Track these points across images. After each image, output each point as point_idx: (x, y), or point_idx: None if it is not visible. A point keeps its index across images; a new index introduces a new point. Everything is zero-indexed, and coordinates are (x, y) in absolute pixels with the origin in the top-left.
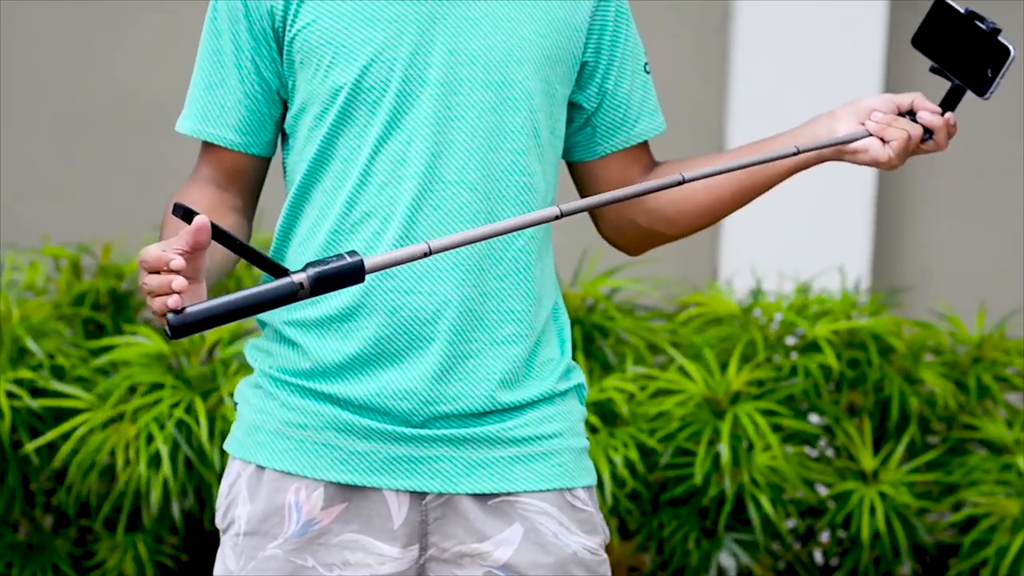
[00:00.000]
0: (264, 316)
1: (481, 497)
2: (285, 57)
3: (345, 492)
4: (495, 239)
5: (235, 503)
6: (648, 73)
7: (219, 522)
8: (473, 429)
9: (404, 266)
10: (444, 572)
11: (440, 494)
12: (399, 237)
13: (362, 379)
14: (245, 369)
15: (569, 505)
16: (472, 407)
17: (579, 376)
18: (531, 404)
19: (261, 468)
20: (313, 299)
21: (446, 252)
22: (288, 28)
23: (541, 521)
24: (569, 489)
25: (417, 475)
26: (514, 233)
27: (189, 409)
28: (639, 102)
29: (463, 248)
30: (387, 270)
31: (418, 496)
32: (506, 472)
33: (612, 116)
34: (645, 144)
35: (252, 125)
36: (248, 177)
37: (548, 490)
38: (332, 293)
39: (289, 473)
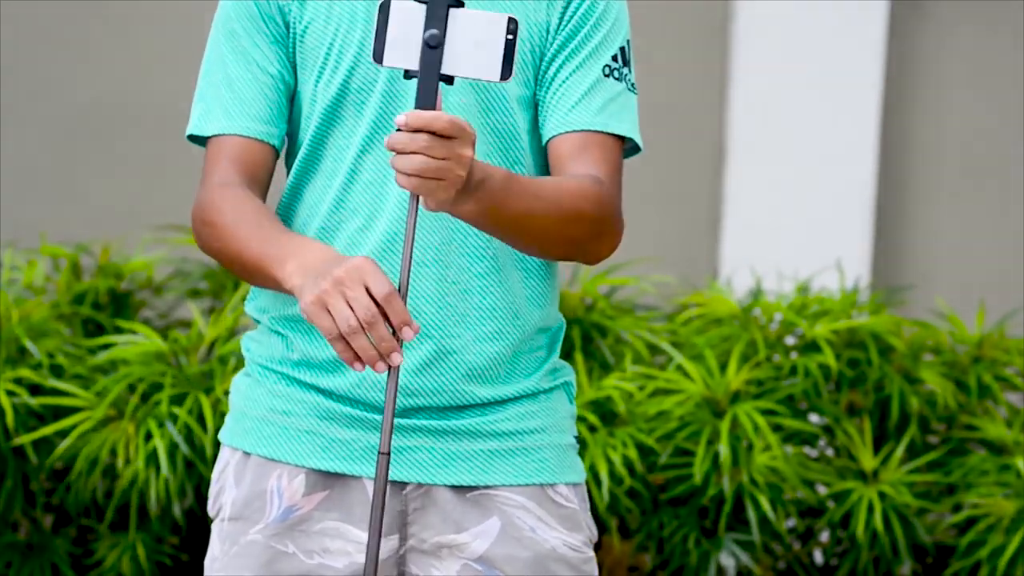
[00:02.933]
0: (255, 313)
1: (460, 489)
2: (291, 57)
3: (327, 480)
4: (470, 240)
5: (223, 489)
6: (609, 77)
7: (210, 510)
8: (452, 422)
9: (384, 264)
10: (423, 563)
11: (420, 484)
12: (384, 234)
13: (345, 370)
14: (243, 366)
15: (550, 500)
16: (451, 401)
17: (567, 374)
18: (513, 400)
19: (247, 454)
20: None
21: (423, 249)
22: (293, 28)
23: (518, 515)
24: (551, 485)
25: (396, 465)
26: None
27: (189, 407)
28: (578, 95)
29: (431, 245)
30: None
31: (398, 486)
32: (484, 465)
33: (546, 99)
34: (580, 138)
35: (274, 116)
36: (265, 175)
37: (527, 485)
38: None
39: (272, 459)
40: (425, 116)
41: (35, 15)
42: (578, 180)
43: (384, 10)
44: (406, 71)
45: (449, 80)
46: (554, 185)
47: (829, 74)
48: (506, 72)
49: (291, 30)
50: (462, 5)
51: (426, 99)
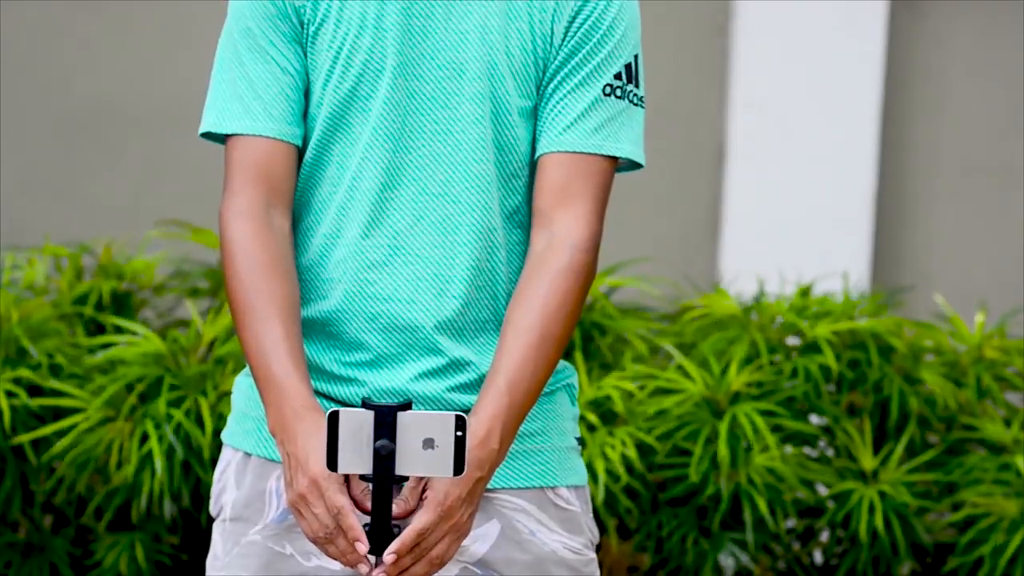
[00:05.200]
0: None
1: None
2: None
3: None
4: (474, 254)
5: (225, 490)
6: (609, 96)
7: (212, 509)
8: None
9: (382, 274)
10: None
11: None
12: (386, 243)
13: (345, 378)
14: (241, 367)
15: (551, 503)
16: (451, 407)
17: (569, 376)
18: None
19: (248, 455)
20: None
21: (423, 261)
22: (307, 29)
23: (518, 518)
24: (551, 487)
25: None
26: (496, 246)
27: (186, 408)
28: (574, 116)
29: (432, 259)
30: (367, 277)
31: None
32: None
33: (543, 114)
34: (570, 160)
35: (296, 116)
36: (289, 186)
37: (527, 487)
38: (316, 298)
39: (272, 460)
40: (405, 542)
41: (35, 15)
42: (557, 277)
43: (333, 420)
44: (361, 475)
45: (404, 479)
46: (540, 317)
47: (829, 74)
48: (458, 469)
49: (305, 30)
50: (410, 407)
51: (382, 502)
